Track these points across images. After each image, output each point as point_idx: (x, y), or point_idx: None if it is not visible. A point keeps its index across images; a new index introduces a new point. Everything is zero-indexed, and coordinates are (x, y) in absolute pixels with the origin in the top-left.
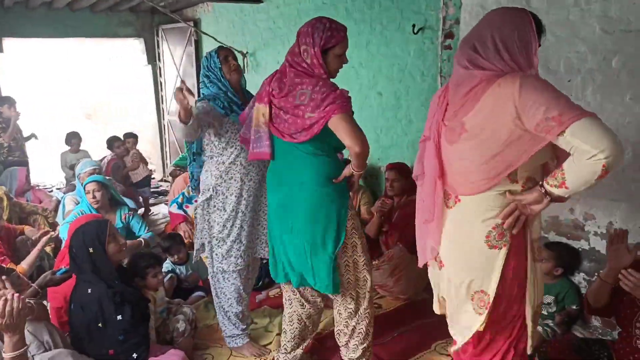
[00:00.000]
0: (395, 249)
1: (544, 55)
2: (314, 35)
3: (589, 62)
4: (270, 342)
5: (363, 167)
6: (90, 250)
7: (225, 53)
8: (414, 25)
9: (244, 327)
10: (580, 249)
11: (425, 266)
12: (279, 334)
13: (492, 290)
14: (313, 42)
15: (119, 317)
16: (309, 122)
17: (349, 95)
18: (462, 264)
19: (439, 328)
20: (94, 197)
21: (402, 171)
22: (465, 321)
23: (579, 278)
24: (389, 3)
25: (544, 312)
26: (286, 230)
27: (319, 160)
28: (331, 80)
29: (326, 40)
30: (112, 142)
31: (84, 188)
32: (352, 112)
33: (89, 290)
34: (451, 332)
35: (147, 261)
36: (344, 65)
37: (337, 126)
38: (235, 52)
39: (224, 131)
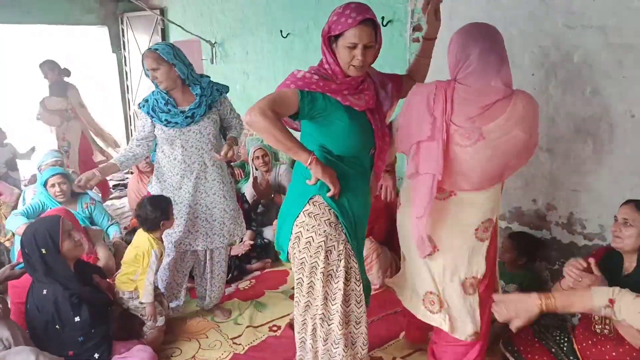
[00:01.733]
0: (365, 241)
1: (509, 48)
2: (328, 20)
3: (552, 56)
4: (240, 335)
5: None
6: (43, 251)
7: (144, 57)
8: (382, 18)
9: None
10: (542, 239)
11: (397, 257)
12: (248, 327)
13: (481, 274)
14: (325, 26)
15: (77, 319)
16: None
17: (300, 75)
18: (454, 252)
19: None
20: (60, 190)
21: None
22: (458, 303)
23: (540, 267)
24: None
25: None
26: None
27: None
28: (351, 76)
29: (330, 25)
30: None
31: (46, 182)
32: (299, 91)
33: (44, 292)
34: (435, 321)
35: (166, 201)
36: (360, 62)
37: None
38: (204, 42)
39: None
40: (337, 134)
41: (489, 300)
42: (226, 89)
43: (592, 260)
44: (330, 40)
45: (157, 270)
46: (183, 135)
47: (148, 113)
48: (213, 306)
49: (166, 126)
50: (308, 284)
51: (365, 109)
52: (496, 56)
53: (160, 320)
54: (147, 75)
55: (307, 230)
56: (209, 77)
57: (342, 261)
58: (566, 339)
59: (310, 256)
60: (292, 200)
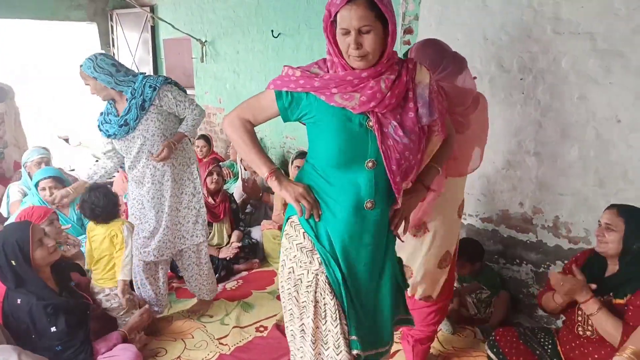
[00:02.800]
0: None
1: (498, 53)
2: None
3: (540, 61)
4: (226, 335)
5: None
6: (13, 262)
7: None
8: None
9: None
10: (528, 242)
11: None
12: (235, 327)
13: (453, 249)
14: None
15: (53, 329)
16: None
17: (284, 73)
18: (444, 231)
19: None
20: (51, 194)
21: None
22: (436, 277)
23: (526, 269)
24: None
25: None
26: None
27: None
28: (356, 67)
29: (328, 6)
30: None
31: (37, 185)
32: (275, 91)
33: (18, 301)
34: (417, 292)
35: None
36: (357, 51)
37: None
38: (194, 40)
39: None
40: (320, 141)
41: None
42: (160, 80)
43: (574, 267)
44: (333, 26)
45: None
46: (129, 142)
47: (98, 127)
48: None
49: (110, 137)
50: (289, 310)
51: (368, 111)
52: (460, 59)
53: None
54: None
55: (283, 252)
56: (144, 73)
57: (311, 294)
58: (550, 341)
59: (284, 281)
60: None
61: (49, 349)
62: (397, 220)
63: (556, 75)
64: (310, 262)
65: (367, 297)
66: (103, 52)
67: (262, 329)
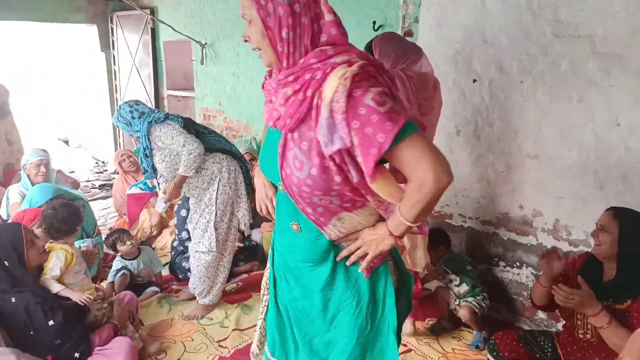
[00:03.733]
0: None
1: (498, 56)
2: None
3: (540, 64)
4: (226, 338)
5: None
6: (6, 263)
7: None
8: (374, 22)
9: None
10: (528, 244)
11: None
12: (235, 329)
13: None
14: None
15: (51, 323)
16: None
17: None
18: None
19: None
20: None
21: None
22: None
23: (526, 272)
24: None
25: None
26: None
27: None
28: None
29: None
30: None
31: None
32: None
33: (13, 300)
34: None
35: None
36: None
37: None
38: (194, 43)
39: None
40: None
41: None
42: (151, 123)
43: (580, 279)
44: None
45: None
46: (158, 180)
47: None
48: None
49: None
50: None
51: (279, 127)
52: (417, 48)
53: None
54: None
55: None
56: (154, 110)
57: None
58: (550, 345)
59: None
60: None
61: (48, 343)
62: (345, 253)
63: (555, 77)
64: (267, 269)
65: (311, 328)
66: (128, 101)
67: None
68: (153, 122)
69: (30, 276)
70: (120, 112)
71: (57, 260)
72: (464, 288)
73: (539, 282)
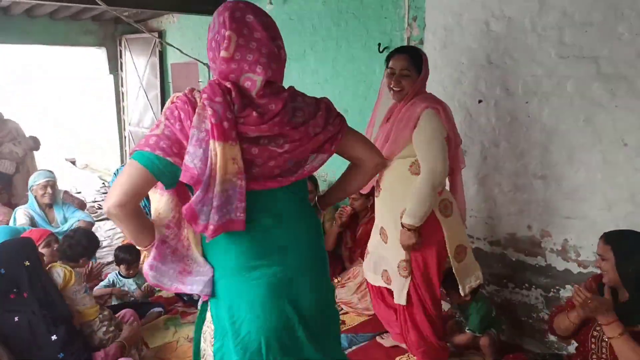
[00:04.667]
0: (360, 266)
1: (503, 77)
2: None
3: (545, 85)
4: None
5: (361, 188)
6: (27, 263)
7: None
8: (379, 44)
9: None
10: (537, 265)
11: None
12: None
13: (406, 257)
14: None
15: (54, 337)
16: (322, 138)
17: None
18: (394, 240)
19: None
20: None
21: None
22: (399, 283)
23: (535, 294)
24: (356, 22)
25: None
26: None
27: (309, 204)
28: None
29: None
30: None
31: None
32: None
33: (16, 319)
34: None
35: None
36: None
37: (357, 137)
38: (201, 65)
39: None
40: None
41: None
42: None
43: (606, 288)
44: None
45: None
46: None
47: None
48: None
49: None
50: None
51: None
52: None
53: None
54: None
55: None
56: None
57: None
58: None
59: None
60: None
61: (51, 357)
62: None
63: (561, 98)
64: None
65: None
66: None
67: None
68: None
69: (48, 277)
70: None
71: (56, 276)
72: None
73: (568, 317)
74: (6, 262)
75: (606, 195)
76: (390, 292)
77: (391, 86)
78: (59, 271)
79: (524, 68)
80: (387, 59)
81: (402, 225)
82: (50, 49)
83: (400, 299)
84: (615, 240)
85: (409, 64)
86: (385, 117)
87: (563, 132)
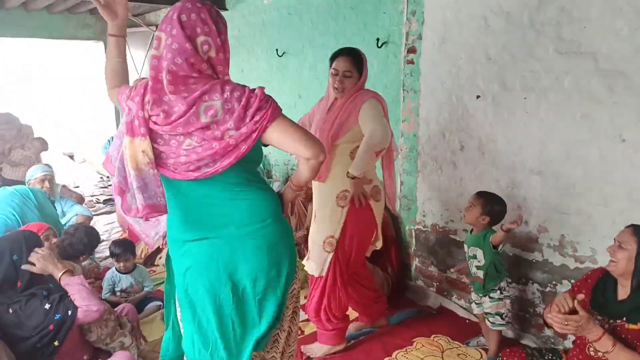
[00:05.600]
0: None
1: (501, 72)
2: (217, 22)
3: (543, 80)
4: None
5: (312, 178)
6: (15, 257)
7: None
8: (377, 39)
9: None
10: (534, 261)
11: (388, 277)
12: None
13: (337, 235)
14: (218, 30)
15: (56, 344)
16: (233, 141)
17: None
18: (322, 215)
19: (401, 335)
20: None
21: None
22: (318, 255)
23: (532, 289)
24: (354, 17)
25: (474, 267)
26: (225, 293)
27: (253, 191)
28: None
29: (224, 26)
30: None
31: (29, 183)
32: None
33: (17, 309)
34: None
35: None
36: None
37: (282, 133)
38: None
39: None
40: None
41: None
42: None
43: (580, 297)
44: None
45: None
46: None
47: None
48: None
49: None
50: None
51: None
52: None
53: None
54: None
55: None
56: None
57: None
58: None
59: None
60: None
61: (42, 329)
62: None
63: (559, 94)
64: None
65: None
66: None
67: None
68: None
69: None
70: None
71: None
72: (488, 304)
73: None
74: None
75: (603, 191)
76: (365, 276)
77: (335, 85)
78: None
79: (522, 64)
80: (331, 60)
81: (348, 176)
82: (48, 46)
83: (322, 271)
84: None
85: (351, 65)
86: (325, 109)
87: (561, 128)
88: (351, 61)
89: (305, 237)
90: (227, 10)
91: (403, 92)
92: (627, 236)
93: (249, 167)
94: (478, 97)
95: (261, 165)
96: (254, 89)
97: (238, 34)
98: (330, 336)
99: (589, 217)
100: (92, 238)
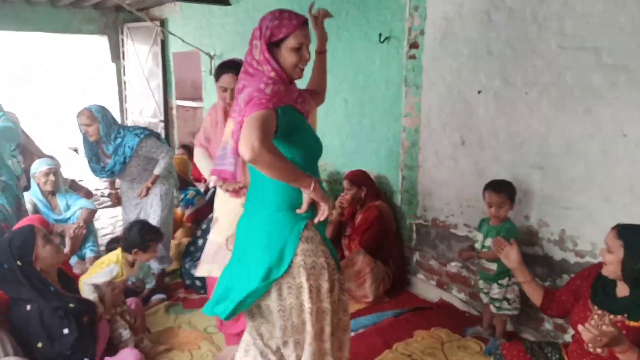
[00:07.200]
0: (359, 254)
1: (503, 67)
2: (262, 28)
3: (545, 75)
4: None
5: (290, 181)
6: (19, 263)
7: (80, 114)
8: (380, 35)
9: None
10: (534, 255)
11: (389, 270)
12: None
13: None
14: (260, 34)
15: (66, 331)
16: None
17: (269, 91)
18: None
19: (401, 328)
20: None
21: (355, 180)
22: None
23: None
24: (356, 12)
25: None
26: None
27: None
28: (295, 80)
29: (273, 30)
30: None
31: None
32: (279, 108)
33: (28, 307)
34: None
35: (151, 235)
36: (306, 61)
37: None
38: (203, 54)
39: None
40: (306, 143)
41: None
42: (141, 135)
43: (607, 320)
44: (269, 47)
45: (108, 283)
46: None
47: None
48: None
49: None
50: (317, 309)
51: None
52: None
53: (126, 334)
54: (80, 129)
55: (310, 255)
56: (131, 130)
57: (336, 274)
58: (557, 356)
59: (315, 280)
60: (275, 234)
61: (59, 353)
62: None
63: (561, 89)
64: (325, 249)
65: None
66: (104, 107)
67: None
68: (143, 137)
69: (43, 277)
70: (106, 113)
71: (108, 272)
72: (495, 291)
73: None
74: (5, 258)
75: (604, 187)
76: None
77: (227, 101)
78: (114, 269)
79: (524, 59)
80: (216, 76)
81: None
82: (50, 45)
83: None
84: (628, 236)
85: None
86: (223, 117)
87: (562, 123)
88: (234, 76)
89: None
90: (231, 5)
91: (405, 88)
92: (613, 239)
93: None
94: (480, 92)
95: None
96: (265, 86)
97: (241, 29)
98: None
99: (590, 212)
100: (142, 233)
